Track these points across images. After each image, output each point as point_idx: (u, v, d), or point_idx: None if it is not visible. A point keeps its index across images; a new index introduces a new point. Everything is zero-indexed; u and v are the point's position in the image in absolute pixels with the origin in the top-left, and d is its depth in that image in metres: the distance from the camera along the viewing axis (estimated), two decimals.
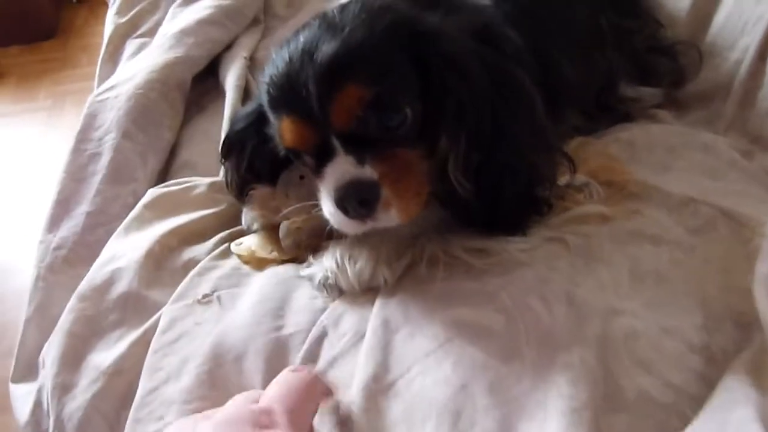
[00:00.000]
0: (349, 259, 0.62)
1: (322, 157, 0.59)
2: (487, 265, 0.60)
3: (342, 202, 0.57)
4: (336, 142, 0.58)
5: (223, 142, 0.76)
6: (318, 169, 0.60)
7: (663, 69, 0.96)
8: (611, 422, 0.47)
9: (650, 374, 0.50)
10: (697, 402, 0.48)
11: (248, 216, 0.75)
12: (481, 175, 0.60)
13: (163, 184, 0.83)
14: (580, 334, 0.52)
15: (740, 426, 0.41)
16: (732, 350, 0.52)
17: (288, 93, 0.59)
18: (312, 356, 0.56)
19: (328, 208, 0.59)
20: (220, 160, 0.77)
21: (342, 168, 0.57)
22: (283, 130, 0.61)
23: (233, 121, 0.78)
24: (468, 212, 0.63)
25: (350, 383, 0.52)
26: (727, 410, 0.43)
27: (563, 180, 0.67)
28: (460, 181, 0.60)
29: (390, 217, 0.57)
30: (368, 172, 0.57)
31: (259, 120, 0.68)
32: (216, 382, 0.57)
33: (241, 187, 0.76)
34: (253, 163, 0.73)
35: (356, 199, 0.57)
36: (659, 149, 0.79)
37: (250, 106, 0.74)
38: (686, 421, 0.46)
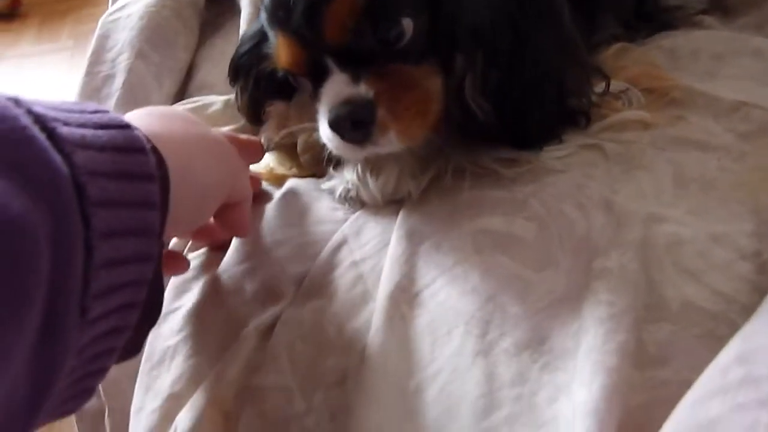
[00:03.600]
0: (371, 172, 0.59)
1: (318, 78, 0.55)
2: (517, 174, 0.56)
3: (335, 125, 0.53)
4: (329, 61, 0.53)
5: (230, 66, 0.72)
6: (315, 91, 0.56)
7: None
8: (653, 331, 0.43)
9: (697, 283, 0.46)
10: (748, 311, 0.44)
11: (265, 134, 0.72)
12: (502, 96, 0.55)
13: (178, 103, 0.80)
14: (619, 239, 0.48)
15: None
16: None
17: (279, 7, 0.54)
18: (330, 261, 0.53)
19: (324, 132, 0.55)
20: (230, 84, 0.73)
21: (336, 87, 0.53)
22: (278, 50, 0.56)
23: (239, 43, 0.73)
24: (491, 135, 0.58)
25: (373, 293, 0.50)
26: None
27: (598, 88, 0.62)
28: (478, 104, 0.55)
29: (389, 140, 0.53)
30: (363, 89, 0.52)
31: (262, 41, 0.63)
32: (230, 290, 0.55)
33: (254, 110, 0.72)
34: (261, 85, 0.69)
35: (349, 121, 0.52)
36: (704, 56, 0.73)
37: (254, 26, 0.69)
38: (735, 328, 0.42)
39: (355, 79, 0.52)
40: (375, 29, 0.52)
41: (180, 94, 0.87)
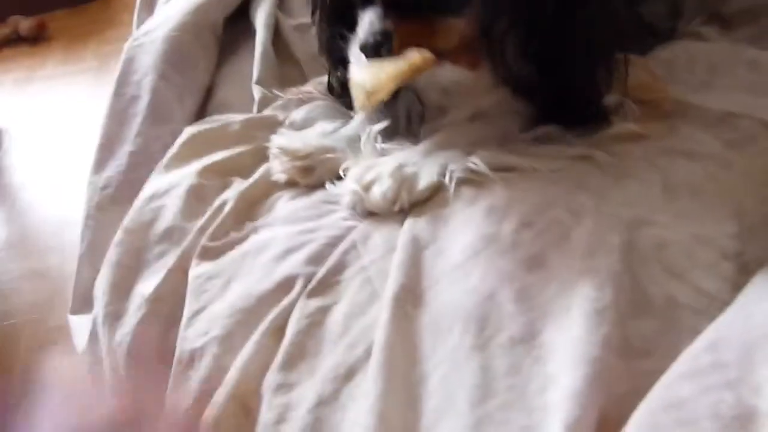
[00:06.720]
0: (369, 184, 0.63)
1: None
2: (510, 180, 0.60)
3: (363, 48, 0.61)
4: None
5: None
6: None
7: None
8: (637, 326, 0.47)
9: (681, 281, 0.50)
10: None
11: None
12: (542, 60, 0.61)
13: (198, 122, 0.85)
14: (605, 241, 0.52)
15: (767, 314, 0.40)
16: (766, 259, 0.51)
17: None
18: (340, 264, 0.58)
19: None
20: (312, 21, 0.75)
21: (371, 17, 0.61)
22: None
23: None
24: (532, 92, 0.64)
25: (380, 294, 0.54)
26: (753, 303, 0.42)
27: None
28: (519, 66, 0.61)
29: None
30: (388, 24, 0.60)
31: None
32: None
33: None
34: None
35: (372, 41, 0.60)
36: (700, 67, 0.77)
37: None
38: None
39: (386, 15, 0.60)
40: None
41: (201, 113, 0.91)
